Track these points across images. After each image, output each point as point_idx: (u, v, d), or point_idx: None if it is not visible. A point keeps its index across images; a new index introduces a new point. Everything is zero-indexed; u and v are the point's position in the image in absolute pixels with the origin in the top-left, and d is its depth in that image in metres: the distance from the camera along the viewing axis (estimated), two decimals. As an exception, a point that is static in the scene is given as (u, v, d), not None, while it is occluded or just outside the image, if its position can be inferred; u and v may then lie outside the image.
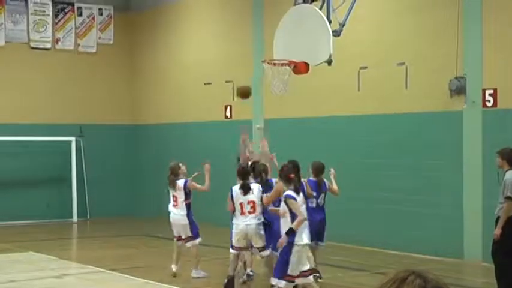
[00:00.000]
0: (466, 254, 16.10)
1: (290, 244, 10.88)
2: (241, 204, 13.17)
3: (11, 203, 23.96)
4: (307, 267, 11.05)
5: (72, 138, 24.87)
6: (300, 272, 10.99)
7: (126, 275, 14.74)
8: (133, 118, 26.48)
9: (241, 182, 13.24)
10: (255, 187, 13.31)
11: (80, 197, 24.99)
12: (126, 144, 26.24)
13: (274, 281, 11.14)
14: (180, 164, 14.97)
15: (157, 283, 13.93)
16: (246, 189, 13.16)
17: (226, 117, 22.54)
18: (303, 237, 11.01)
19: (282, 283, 10.93)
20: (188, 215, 14.52)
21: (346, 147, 18.61)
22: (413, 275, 2.17)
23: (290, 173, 11.20)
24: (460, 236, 16.20)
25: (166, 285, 13.72)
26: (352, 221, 18.40)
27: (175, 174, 14.82)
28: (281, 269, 10.96)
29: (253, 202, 13.19)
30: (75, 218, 24.72)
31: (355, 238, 18.14)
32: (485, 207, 15.55)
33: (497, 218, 12.24)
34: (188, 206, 14.57)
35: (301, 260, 10.99)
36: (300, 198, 11.24)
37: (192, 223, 14.45)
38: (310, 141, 19.48)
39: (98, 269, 15.42)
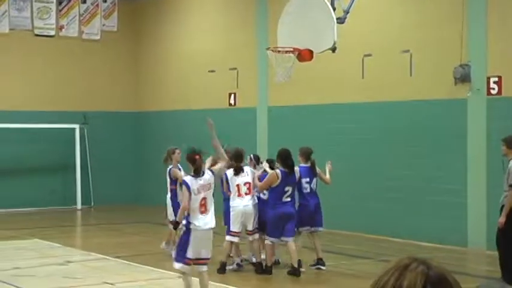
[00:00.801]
0: (470, 242, 16.09)
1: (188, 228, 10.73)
2: (237, 186, 13.49)
3: (15, 190, 23.99)
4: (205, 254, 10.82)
5: (76, 126, 24.87)
6: (197, 258, 10.77)
7: (130, 262, 14.77)
8: (138, 105, 26.47)
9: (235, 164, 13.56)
10: (248, 169, 13.70)
11: (84, 185, 25.02)
12: (130, 132, 26.25)
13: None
14: (177, 151, 15.06)
15: (160, 270, 13.95)
16: (238, 170, 13.51)
17: (230, 104, 22.51)
18: (200, 222, 10.66)
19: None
20: (171, 198, 14.69)
21: (350, 135, 18.58)
22: (416, 262, 2.15)
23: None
24: (464, 224, 16.19)
25: (170, 272, 13.73)
26: (356, 209, 18.40)
27: (166, 159, 15.17)
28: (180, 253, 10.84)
29: (249, 183, 13.57)
30: (79, 205, 24.76)
31: (359, 226, 18.14)
32: (489, 195, 15.53)
33: (502, 207, 12.24)
34: (173, 192, 14.68)
35: (200, 245, 10.70)
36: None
37: (175, 207, 14.22)
38: (314, 129, 19.45)
39: (102, 256, 15.45)
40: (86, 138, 25.40)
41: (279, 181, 13.32)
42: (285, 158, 13.54)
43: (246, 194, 13.55)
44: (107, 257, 15.30)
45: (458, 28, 16.05)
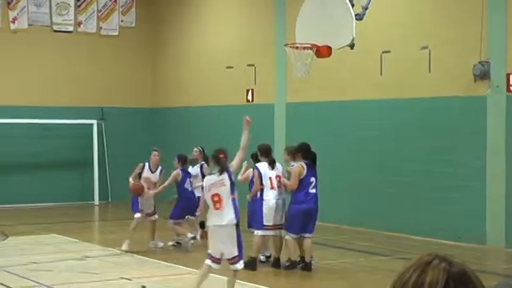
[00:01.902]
0: (489, 240, 16.01)
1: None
2: (270, 179, 13.60)
3: (33, 185, 24.09)
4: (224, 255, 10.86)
5: (94, 121, 24.94)
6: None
7: (147, 258, 14.79)
8: (155, 101, 26.50)
9: (266, 159, 13.78)
10: (278, 164, 13.88)
11: (101, 180, 25.08)
12: (148, 127, 26.27)
13: None
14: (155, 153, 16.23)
15: (177, 266, 13.96)
16: (273, 163, 13.71)
17: (247, 100, 22.49)
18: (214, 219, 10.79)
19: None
20: None
21: (368, 132, 18.53)
22: (438, 258, 2.13)
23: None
24: (482, 221, 16.11)
25: (186, 267, 13.75)
26: (374, 206, 18.35)
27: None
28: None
29: (279, 177, 13.73)
30: (96, 201, 24.83)
31: (377, 223, 18.09)
32: (508, 193, 15.45)
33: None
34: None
35: (218, 242, 10.78)
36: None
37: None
38: (332, 125, 19.42)
39: (119, 251, 15.47)
40: (104, 134, 25.46)
41: (305, 172, 13.34)
42: (307, 150, 13.62)
43: (278, 187, 13.64)
44: (124, 252, 15.32)
45: (478, 25, 15.95)
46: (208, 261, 10.81)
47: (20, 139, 24.04)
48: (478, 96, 16.15)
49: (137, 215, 15.63)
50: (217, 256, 10.78)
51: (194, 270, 13.44)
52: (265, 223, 13.55)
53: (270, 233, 13.64)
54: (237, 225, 10.77)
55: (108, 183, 25.48)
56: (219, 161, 10.78)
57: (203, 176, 15.84)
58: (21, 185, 23.91)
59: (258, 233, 13.57)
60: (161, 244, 15.72)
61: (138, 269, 13.81)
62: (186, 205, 15.79)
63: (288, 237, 13.42)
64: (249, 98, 22.48)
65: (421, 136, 17.37)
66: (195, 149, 17.00)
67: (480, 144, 16.13)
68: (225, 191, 10.70)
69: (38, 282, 12.26)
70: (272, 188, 13.61)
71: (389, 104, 18.09)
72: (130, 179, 15.48)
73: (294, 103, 20.70)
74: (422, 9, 17.52)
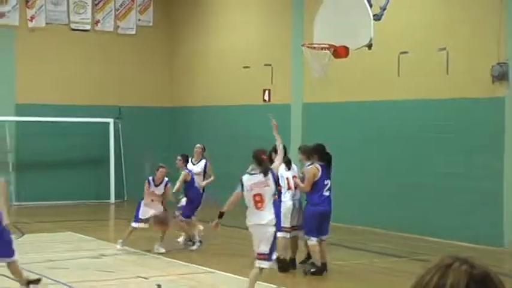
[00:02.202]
0: (507, 242, 15.92)
1: None
2: (287, 179, 13.56)
3: (50, 183, 24.17)
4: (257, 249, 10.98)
5: (111, 120, 25.00)
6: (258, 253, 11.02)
7: (162, 257, 14.81)
8: (172, 100, 26.53)
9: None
10: (293, 164, 13.86)
11: (117, 179, 25.14)
12: (164, 127, 26.30)
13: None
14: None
15: (193, 265, 13.97)
16: (289, 163, 13.57)
17: (264, 100, 22.47)
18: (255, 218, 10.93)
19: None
20: None
21: (386, 133, 18.47)
22: (459, 261, 2.11)
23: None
24: (500, 223, 16.02)
25: (202, 266, 13.75)
26: (389, 207, 18.30)
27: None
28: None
29: (295, 177, 13.65)
30: (112, 199, 24.88)
31: (393, 224, 18.02)
32: (526, 195, 15.34)
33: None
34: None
35: (257, 239, 10.96)
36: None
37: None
38: (348, 126, 19.37)
39: (134, 250, 15.50)
40: (120, 132, 25.51)
41: (319, 174, 13.27)
42: (322, 152, 13.50)
43: (295, 188, 13.62)
44: (139, 251, 15.34)
45: (496, 25, 15.88)
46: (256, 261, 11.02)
47: (36, 137, 24.12)
48: (496, 98, 16.06)
49: (134, 225, 15.63)
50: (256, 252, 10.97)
51: (210, 269, 13.47)
52: (282, 225, 13.45)
53: (287, 235, 13.55)
54: (276, 225, 10.91)
55: (124, 182, 25.53)
56: (262, 161, 10.90)
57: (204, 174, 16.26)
58: (38, 183, 23.99)
59: (280, 235, 13.49)
60: (163, 250, 15.33)
61: (154, 267, 13.82)
62: (196, 204, 15.90)
63: (311, 242, 13.24)
64: (266, 98, 22.46)
65: (438, 137, 17.29)
66: (198, 145, 17.02)
67: (498, 145, 16.04)
68: (268, 191, 10.84)
69: (54, 280, 12.30)
70: (289, 188, 13.56)
71: (406, 105, 18.02)
72: (143, 205, 15.64)
73: (311, 103, 20.66)
74: (440, 10, 17.45)
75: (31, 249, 15.45)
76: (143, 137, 25.86)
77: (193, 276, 13.11)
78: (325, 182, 13.35)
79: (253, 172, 10.98)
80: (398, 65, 18.03)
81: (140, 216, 15.55)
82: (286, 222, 13.38)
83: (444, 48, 17.01)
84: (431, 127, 17.46)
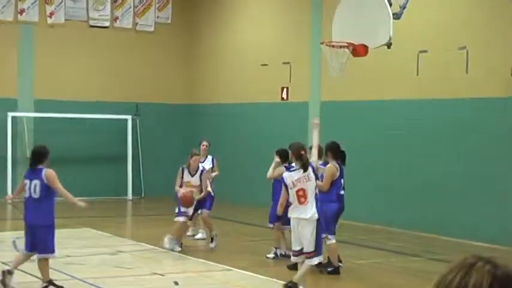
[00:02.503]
0: (523, 243, 15.84)
1: None
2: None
3: (67, 179, 24.01)
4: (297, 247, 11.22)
5: (129, 117, 25.06)
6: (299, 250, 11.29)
7: (179, 254, 14.82)
8: (190, 98, 26.55)
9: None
10: None
11: (135, 175, 25.20)
12: (182, 124, 26.33)
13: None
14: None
15: (210, 262, 13.97)
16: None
17: (282, 98, 22.46)
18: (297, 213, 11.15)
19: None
20: None
21: (404, 132, 18.41)
22: (482, 261, 2.09)
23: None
24: (517, 224, 15.94)
25: (218, 264, 13.76)
26: (408, 206, 18.24)
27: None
28: None
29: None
30: (130, 196, 24.94)
31: (410, 223, 17.97)
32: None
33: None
34: None
35: (298, 235, 11.21)
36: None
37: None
38: (366, 125, 19.32)
39: (151, 246, 15.53)
40: (138, 129, 25.57)
41: (338, 173, 13.23)
42: (337, 150, 13.38)
43: None
44: (157, 248, 15.37)
45: (517, 25, 15.78)
46: (292, 258, 11.33)
47: (54, 133, 24.18)
48: (515, 98, 15.97)
49: (180, 219, 15.01)
50: (297, 249, 11.14)
51: (227, 267, 13.47)
52: None
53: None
54: (318, 220, 11.04)
55: (142, 179, 25.59)
56: (301, 157, 11.04)
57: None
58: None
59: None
60: (179, 249, 15.07)
61: (171, 264, 13.85)
62: (211, 199, 15.79)
63: (330, 241, 13.11)
64: (284, 96, 22.44)
65: (457, 137, 17.22)
66: (204, 142, 16.73)
67: (517, 146, 15.95)
68: (310, 186, 11.02)
69: (71, 276, 12.34)
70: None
71: (425, 104, 17.96)
72: (177, 188, 15.16)
73: (329, 102, 20.63)
74: (459, 9, 17.37)
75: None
76: (161, 134, 25.91)
77: (209, 274, 13.11)
78: (342, 180, 13.29)
79: (293, 169, 11.13)
80: (418, 64, 17.96)
81: (182, 210, 14.95)
82: None
83: (464, 47, 16.93)
84: (450, 126, 17.38)
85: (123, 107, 25.03)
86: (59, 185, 11.40)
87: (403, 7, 13.69)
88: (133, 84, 25.60)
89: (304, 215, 10.97)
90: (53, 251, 11.30)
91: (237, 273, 13.13)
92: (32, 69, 24.38)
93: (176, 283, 12.02)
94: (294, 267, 13.25)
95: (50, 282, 11.35)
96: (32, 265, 11.79)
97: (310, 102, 21.42)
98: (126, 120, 25.01)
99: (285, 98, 22.40)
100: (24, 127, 24.01)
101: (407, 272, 13.66)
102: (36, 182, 11.26)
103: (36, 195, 11.24)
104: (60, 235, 16.89)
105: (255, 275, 12.86)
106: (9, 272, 11.37)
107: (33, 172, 11.43)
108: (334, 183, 13.22)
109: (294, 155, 11.17)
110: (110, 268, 13.28)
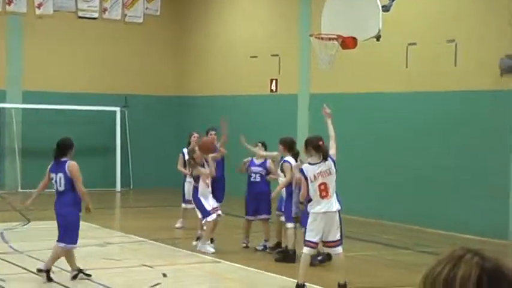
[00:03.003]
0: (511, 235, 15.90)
1: None
2: None
3: (56, 171, 24.15)
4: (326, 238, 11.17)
5: (117, 109, 25.01)
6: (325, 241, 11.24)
7: (168, 245, 14.81)
8: (179, 90, 26.51)
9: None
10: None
11: (123, 167, 25.16)
12: (171, 116, 26.30)
13: None
14: (195, 134, 15.58)
15: (199, 254, 13.96)
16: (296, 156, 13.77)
17: (271, 90, 22.46)
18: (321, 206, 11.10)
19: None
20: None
21: (393, 125, 18.44)
22: (470, 253, 2.09)
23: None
24: (505, 217, 16.00)
25: (207, 256, 13.75)
26: (398, 199, 18.28)
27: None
28: None
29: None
30: (118, 188, 24.91)
31: (400, 216, 18.01)
32: (532, 188, 15.30)
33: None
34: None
35: (324, 228, 11.11)
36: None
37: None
38: (355, 117, 19.33)
39: (140, 238, 15.51)
40: (127, 121, 25.52)
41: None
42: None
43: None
44: (145, 240, 15.36)
45: (505, 18, 15.81)
46: (305, 249, 11.02)
47: (43, 124, 24.13)
48: (504, 91, 16.01)
49: (210, 218, 14.11)
50: (316, 241, 10.97)
51: (216, 259, 13.47)
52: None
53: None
54: (339, 211, 11.10)
55: (130, 170, 25.55)
56: (320, 148, 10.96)
57: None
58: (44, 170, 23.86)
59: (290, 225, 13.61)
60: (212, 250, 14.26)
61: (159, 256, 13.83)
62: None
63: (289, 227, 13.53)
64: (273, 88, 22.44)
65: (446, 130, 17.26)
66: (195, 134, 16.63)
67: (505, 139, 16.00)
68: (332, 179, 10.97)
69: (58, 267, 12.30)
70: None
71: (414, 97, 17.99)
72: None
73: (318, 94, 20.63)
74: (449, 2, 17.39)
75: (37, 237, 15.50)
76: (149, 126, 25.88)
77: (199, 266, 13.11)
78: None
79: (312, 162, 10.99)
80: (407, 56, 17.98)
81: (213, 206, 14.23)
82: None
83: (453, 40, 16.96)
84: (439, 119, 17.42)
85: (111, 99, 24.96)
86: (79, 179, 11.60)
87: (392, 0, 13.68)
88: (122, 76, 25.54)
89: (332, 209, 10.90)
90: (76, 242, 11.51)
91: (226, 266, 13.13)
92: (20, 60, 24.29)
93: (165, 275, 12.01)
94: (283, 259, 13.33)
95: (80, 270, 11.47)
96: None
97: (300, 95, 21.42)
98: (114, 111, 24.96)
99: (274, 90, 22.40)
100: (13, 118, 23.93)
101: (399, 264, 13.69)
102: (60, 175, 11.48)
103: (61, 188, 11.44)
104: (48, 226, 16.87)
105: (244, 267, 12.88)
106: (47, 271, 11.45)
107: (58, 165, 11.60)
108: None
109: (312, 147, 10.99)
110: (99, 260, 13.26)
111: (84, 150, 24.96)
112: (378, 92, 18.89)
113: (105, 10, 25.38)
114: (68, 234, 11.36)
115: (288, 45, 21.67)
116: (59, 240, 11.47)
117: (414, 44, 17.80)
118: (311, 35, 14.51)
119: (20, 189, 23.55)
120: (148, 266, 12.74)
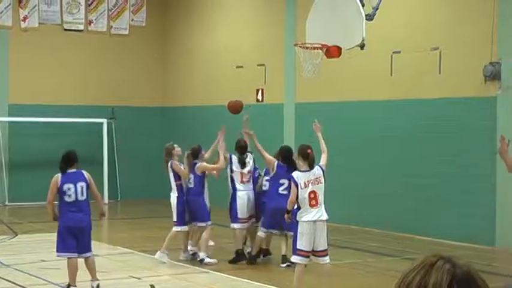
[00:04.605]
0: (498, 241, 15.96)
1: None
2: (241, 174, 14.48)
3: (43, 183, 24.01)
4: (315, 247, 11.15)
5: (104, 120, 24.97)
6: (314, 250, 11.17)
7: (155, 257, 14.77)
8: (165, 100, 26.51)
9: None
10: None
11: (111, 179, 25.10)
12: (158, 127, 26.29)
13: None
14: (175, 146, 14.97)
15: (186, 265, 13.96)
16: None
17: (257, 100, 22.48)
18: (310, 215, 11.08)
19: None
20: (178, 197, 14.28)
21: (379, 133, 18.49)
22: (442, 260, 2.12)
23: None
24: (492, 222, 16.06)
25: (195, 267, 13.75)
26: (384, 207, 18.32)
27: (167, 155, 14.79)
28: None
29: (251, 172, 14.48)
30: (106, 199, 24.80)
31: (387, 224, 18.05)
32: (518, 194, 15.37)
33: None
34: (179, 187, 14.31)
35: (312, 237, 11.09)
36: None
37: (179, 212, 14.21)
38: (341, 126, 19.37)
39: (127, 250, 15.49)
40: (114, 132, 25.49)
41: (276, 170, 13.76)
42: (285, 154, 13.88)
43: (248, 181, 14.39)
44: (133, 251, 15.33)
45: (489, 25, 15.90)
46: (297, 258, 10.95)
47: (30, 137, 24.09)
48: (488, 97, 16.09)
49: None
50: (309, 249, 10.92)
51: (203, 269, 13.46)
52: (239, 216, 14.35)
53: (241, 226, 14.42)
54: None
55: (118, 182, 25.51)
56: (309, 156, 10.95)
57: None
58: (31, 183, 23.93)
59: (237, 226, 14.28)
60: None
61: (147, 267, 13.81)
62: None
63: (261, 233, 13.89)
64: (259, 97, 22.47)
65: (431, 137, 17.32)
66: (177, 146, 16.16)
67: (490, 145, 16.06)
68: (321, 188, 10.98)
69: (46, 280, 12.30)
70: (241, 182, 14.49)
71: (399, 105, 18.05)
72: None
73: (304, 103, 20.67)
74: (432, 10, 17.48)
75: (24, 250, 15.46)
76: (136, 137, 25.86)
77: (186, 276, 13.11)
78: (281, 181, 13.59)
79: (302, 169, 11.00)
80: (391, 64, 18.06)
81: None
82: (242, 214, 14.23)
83: (437, 48, 17.04)
84: (424, 127, 17.49)
85: (98, 111, 24.94)
86: (95, 187, 11.72)
87: (376, 8, 13.72)
88: (108, 88, 25.52)
89: (322, 217, 10.91)
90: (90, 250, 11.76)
91: (213, 276, 13.13)
92: (6, 73, 24.24)
93: (152, 286, 11.99)
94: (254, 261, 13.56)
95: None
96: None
97: (286, 104, 21.45)
98: (101, 123, 24.92)
99: (261, 100, 22.42)
100: (-1, 132, 23.86)
101: (384, 272, 13.72)
102: (82, 184, 11.53)
103: (83, 197, 11.50)
104: (36, 239, 16.87)
105: (232, 277, 12.88)
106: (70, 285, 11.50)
107: (74, 175, 11.60)
108: (275, 181, 13.52)
109: (300, 154, 11.01)
110: (86, 272, 13.20)
111: (71, 163, 24.94)
112: (363, 101, 18.95)
113: (90, 22, 25.38)
114: (90, 243, 11.51)
115: (274, 55, 21.72)
116: (90, 250, 11.52)
117: (398, 52, 17.88)
118: (295, 44, 14.56)
119: (7, 203, 23.48)
120: (136, 278, 12.73)
